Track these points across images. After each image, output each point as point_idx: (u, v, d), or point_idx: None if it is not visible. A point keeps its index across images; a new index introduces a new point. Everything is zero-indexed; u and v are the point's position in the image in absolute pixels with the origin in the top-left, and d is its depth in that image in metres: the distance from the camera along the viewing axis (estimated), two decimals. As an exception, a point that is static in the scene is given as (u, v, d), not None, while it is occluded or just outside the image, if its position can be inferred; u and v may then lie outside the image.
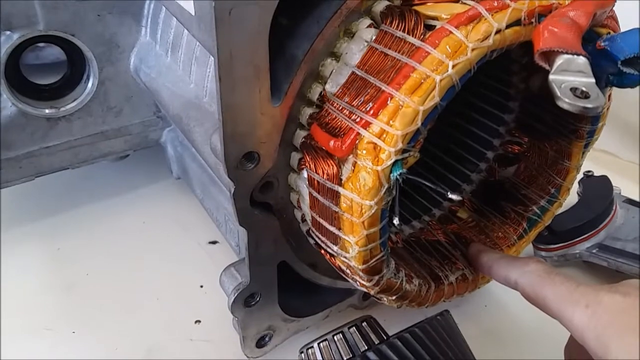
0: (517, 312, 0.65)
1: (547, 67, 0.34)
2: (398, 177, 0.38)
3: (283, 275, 0.52)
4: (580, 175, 0.72)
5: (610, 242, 0.67)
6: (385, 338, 0.43)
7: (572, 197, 0.70)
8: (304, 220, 0.48)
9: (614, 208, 0.70)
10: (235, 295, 0.49)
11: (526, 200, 0.58)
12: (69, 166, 0.65)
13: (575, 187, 0.71)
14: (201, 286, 0.65)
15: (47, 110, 0.60)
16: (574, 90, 0.32)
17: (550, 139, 0.56)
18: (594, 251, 0.66)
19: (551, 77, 0.33)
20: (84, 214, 0.73)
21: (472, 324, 0.61)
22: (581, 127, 0.52)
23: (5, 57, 0.55)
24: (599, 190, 0.72)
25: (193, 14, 0.45)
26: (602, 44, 0.38)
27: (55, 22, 0.55)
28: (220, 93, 0.37)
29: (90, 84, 0.61)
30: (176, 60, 0.54)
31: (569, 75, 0.33)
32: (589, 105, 0.31)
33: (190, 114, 0.52)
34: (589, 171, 0.74)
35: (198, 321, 0.62)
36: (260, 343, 0.55)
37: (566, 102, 0.32)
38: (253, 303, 0.50)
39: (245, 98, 0.38)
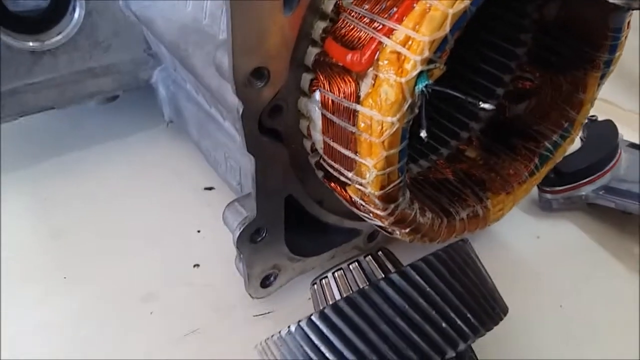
0: (526, 254, 0.63)
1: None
2: (424, 89, 0.36)
3: (289, 212, 0.49)
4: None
5: (617, 184, 0.66)
6: (401, 267, 0.41)
7: (575, 142, 0.69)
8: (313, 150, 0.46)
9: (619, 151, 0.68)
10: (241, 229, 0.46)
11: (538, 135, 0.56)
12: (55, 105, 0.61)
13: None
14: (198, 231, 0.63)
15: (31, 43, 0.56)
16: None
17: (565, 72, 0.54)
18: (601, 193, 0.65)
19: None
20: (72, 161, 0.69)
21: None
22: (599, 56, 0.50)
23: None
24: (604, 134, 0.70)
25: None
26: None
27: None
28: (230, -3, 0.33)
29: (76, 15, 0.57)
30: (170, -16, 0.50)
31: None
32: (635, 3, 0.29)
33: (188, 39, 0.48)
34: (593, 116, 0.73)
35: (197, 265, 0.59)
36: (265, 283, 0.52)
37: None
38: (259, 239, 0.48)
39: (256, 5, 0.35)
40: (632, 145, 0.72)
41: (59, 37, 0.58)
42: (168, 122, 0.69)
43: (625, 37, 0.50)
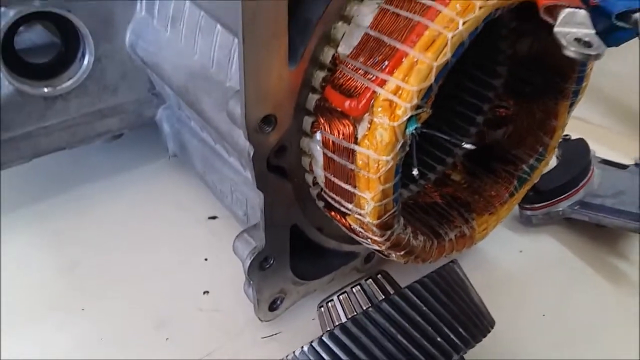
0: (510, 268, 0.68)
1: (551, 21, 0.37)
2: (413, 131, 0.41)
3: (293, 239, 0.53)
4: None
5: (591, 199, 0.71)
6: (399, 288, 0.46)
7: (551, 160, 0.74)
8: (315, 183, 0.50)
9: (591, 168, 0.74)
10: (251, 258, 0.50)
11: (516, 160, 0.62)
12: (66, 146, 0.65)
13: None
14: (205, 259, 0.67)
15: (44, 89, 0.60)
16: (578, 40, 0.35)
17: (538, 101, 0.59)
18: (576, 208, 0.71)
19: (556, 29, 0.36)
20: (81, 196, 0.72)
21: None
22: (567, 87, 0.56)
23: (2, 33, 0.54)
24: (577, 152, 0.76)
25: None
26: (596, 0, 0.41)
27: (51, -1, 0.55)
28: (243, 55, 0.38)
29: (86, 62, 0.61)
30: (177, 33, 0.55)
31: (572, 27, 0.36)
32: (593, 53, 0.34)
33: (196, 85, 0.52)
34: (566, 135, 0.78)
35: (206, 292, 0.63)
36: (273, 306, 0.56)
37: (572, 50, 0.35)
38: (267, 266, 0.52)
39: (266, 59, 0.40)
40: (604, 162, 0.78)
41: (70, 82, 0.61)
42: (171, 156, 0.73)
43: (591, 69, 0.56)
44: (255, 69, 0.39)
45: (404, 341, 0.38)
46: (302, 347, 0.40)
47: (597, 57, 0.35)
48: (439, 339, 0.39)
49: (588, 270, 0.69)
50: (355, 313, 0.42)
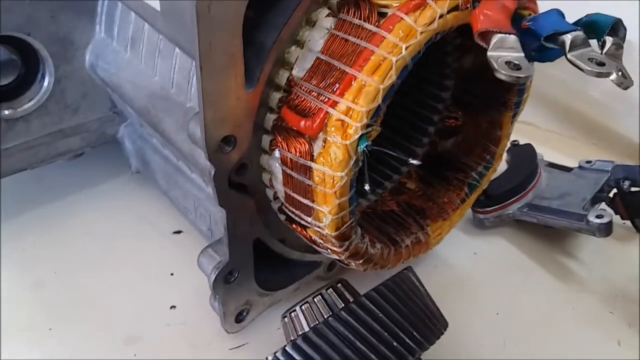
0: (465, 269, 0.72)
1: (485, 45, 0.40)
2: (364, 149, 0.44)
3: (256, 252, 0.56)
4: (507, 145, 0.81)
5: (538, 201, 0.75)
6: (357, 296, 0.48)
7: (501, 165, 0.78)
8: (275, 198, 0.52)
9: (539, 171, 0.78)
10: (216, 273, 0.52)
11: (466, 167, 0.65)
12: (28, 167, 0.66)
13: (504, 156, 0.80)
14: (172, 274, 0.68)
15: (5, 112, 0.60)
16: (508, 63, 0.38)
17: (483, 112, 0.63)
18: (525, 210, 0.75)
19: (489, 53, 0.39)
20: (45, 215, 0.73)
21: (425, 285, 0.68)
22: (509, 99, 0.60)
23: (-40, 59, 0.55)
24: (525, 157, 0.80)
25: (158, 9, 0.47)
26: (527, 23, 0.44)
27: (10, 23, 0.56)
28: (200, 81, 0.40)
29: (46, 83, 0.62)
30: (137, 54, 0.56)
31: (503, 51, 0.39)
32: (521, 75, 0.38)
33: (157, 106, 0.54)
34: (515, 140, 0.83)
35: (173, 307, 0.64)
36: (239, 318, 0.58)
37: (503, 73, 0.38)
38: (232, 280, 0.54)
39: (224, 85, 0.42)
40: (551, 165, 0.83)
41: (31, 103, 0.62)
42: (134, 172, 0.74)
43: (531, 82, 0.60)
44: (212, 92, 0.42)
45: (363, 347, 0.41)
46: (267, 357, 0.43)
47: (526, 79, 0.38)
48: (395, 344, 0.41)
49: (538, 269, 0.72)
50: (317, 322, 0.44)
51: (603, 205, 0.76)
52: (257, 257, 0.56)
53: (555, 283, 0.71)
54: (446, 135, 0.68)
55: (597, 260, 0.74)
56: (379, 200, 0.66)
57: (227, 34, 0.40)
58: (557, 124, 0.97)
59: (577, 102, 0.93)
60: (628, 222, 0.77)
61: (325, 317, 0.45)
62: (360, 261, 0.53)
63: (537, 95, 0.93)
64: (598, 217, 0.68)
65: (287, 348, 0.41)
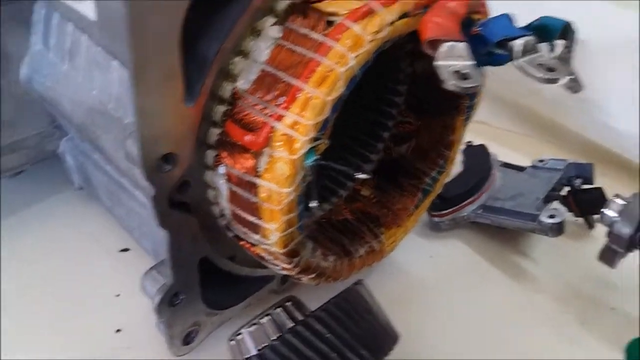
0: (422, 273, 0.71)
1: (433, 54, 0.39)
2: (312, 163, 0.42)
3: (203, 270, 0.53)
4: (462, 146, 0.81)
5: (492, 203, 0.75)
6: (307, 314, 0.47)
7: (456, 167, 0.78)
8: (221, 215, 0.50)
9: (492, 172, 0.78)
10: (160, 297, 0.49)
11: (420, 173, 0.65)
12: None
13: (459, 157, 0.79)
14: (117, 295, 0.64)
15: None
16: (456, 72, 0.37)
17: (436, 117, 0.62)
18: (479, 212, 0.74)
19: (437, 63, 0.38)
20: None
21: (382, 291, 0.67)
22: (461, 103, 0.59)
23: None
24: (479, 158, 0.80)
25: (94, 19, 0.44)
26: (477, 29, 0.43)
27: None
28: (135, 97, 0.37)
29: (-23, 98, 0.57)
30: (75, 67, 0.53)
31: (452, 60, 0.38)
32: (470, 85, 0.37)
33: (95, 121, 0.50)
34: (469, 141, 0.83)
35: (119, 330, 0.61)
36: (187, 340, 0.56)
37: (450, 84, 0.37)
38: (177, 302, 0.51)
39: (159, 101, 0.39)
40: (505, 165, 0.83)
41: (-38, 121, 0.58)
42: (77, 189, 0.70)
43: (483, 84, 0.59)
44: (149, 108, 0.39)
45: None
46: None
47: (475, 88, 0.37)
48: (342, 364, 0.40)
49: (493, 270, 0.73)
50: (263, 345, 0.42)
51: (556, 203, 0.77)
52: (205, 276, 0.53)
53: (510, 283, 0.71)
54: (400, 140, 0.67)
55: (551, 259, 0.74)
56: (333, 209, 0.65)
57: (164, 46, 0.37)
58: (512, 123, 0.98)
59: (530, 100, 0.94)
60: (581, 220, 0.78)
61: (273, 338, 0.43)
62: (312, 275, 0.51)
63: (491, 95, 0.94)
64: (550, 217, 0.68)
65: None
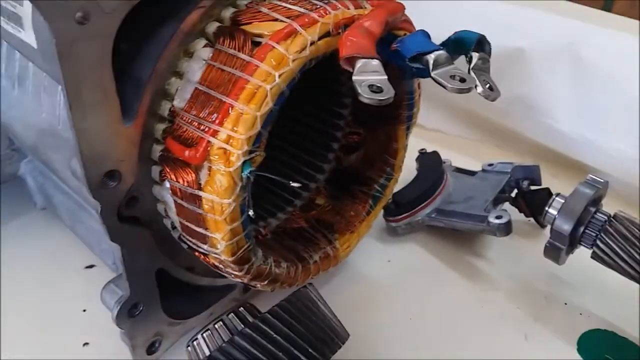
0: (380, 277, 0.74)
1: (350, 70, 0.42)
2: (249, 174, 0.45)
3: (164, 281, 0.55)
4: (416, 153, 0.85)
5: (445, 206, 0.78)
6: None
7: (411, 173, 0.81)
8: (174, 227, 0.53)
9: (445, 177, 0.82)
10: (118, 308, 0.52)
11: (369, 180, 0.68)
12: None
13: (414, 164, 0.83)
14: (84, 310, 0.66)
15: None
16: (370, 86, 0.41)
17: (380, 127, 0.66)
18: (433, 215, 0.78)
19: (354, 77, 0.41)
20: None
21: (341, 295, 0.69)
22: (401, 113, 0.63)
23: None
24: (432, 164, 0.83)
25: (35, 47, 0.47)
26: (395, 45, 0.47)
27: None
28: (72, 119, 0.40)
29: None
30: (25, 91, 0.55)
31: (367, 75, 0.41)
32: (382, 98, 0.40)
33: (46, 143, 0.53)
34: (422, 149, 0.86)
35: (86, 344, 0.63)
36: (151, 350, 0.58)
37: (365, 97, 0.40)
38: (137, 313, 0.53)
39: (97, 121, 0.42)
40: (457, 170, 0.87)
41: None
42: (41, 208, 0.72)
43: (419, 96, 0.63)
44: (86, 130, 0.41)
45: None
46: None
47: (387, 101, 0.40)
48: (289, 363, 0.42)
49: (449, 271, 0.75)
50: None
51: (506, 205, 0.81)
52: (164, 286, 0.55)
53: (465, 283, 0.74)
54: (349, 150, 0.70)
55: (505, 259, 0.77)
56: (289, 218, 0.68)
57: (95, 70, 0.40)
58: (465, 130, 1.02)
59: (481, 107, 0.98)
60: (533, 220, 0.81)
61: (224, 341, 0.46)
62: (265, 282, 0.54)
63: (444, 104, 0.99)
64: (497, 217, 0.71)
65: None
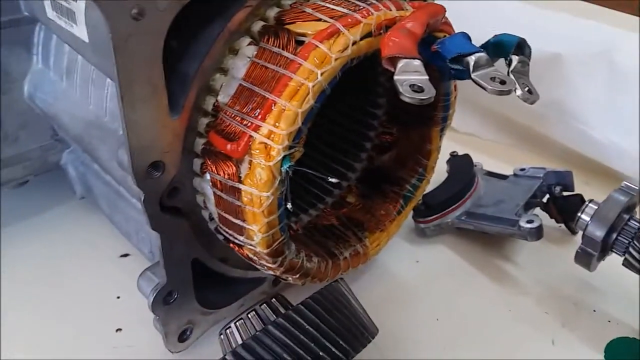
0: (408, 277, 0.75)
1: (392, 69, 0.43)
2: (288, 169, 0.46)
3: (198, 271, 0.57)
4: (448, 156, 0.85)
5: (475, 209, 0.78)
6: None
7: (443, 175, 0.82)
8: (211, 218, 0.54)
9: (476, 180, 0.82)
10: (154, 295, 0.53)
11: (401, 180, 0.68)
12: (-32, 197, 0.66)
13: (445, 166, 0.83)
14: (118, 297, 0.69)
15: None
16: (412, 86, 0.41)
17: (414, 128, 0.66)
18: (463, 218, 0.78)
19: (395, 77, 0.42)
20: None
21: (370, 293, 0.70)
22: (436, 114, 0.63)
23: None
24: (463, 167, 0.83)
25: (87, 41, 0.49)
26: (436, 47, 0.48)
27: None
28: (123, 111, 0.42)
29: (-17, 113, 0.63)
30: (72, 84, 0.58)
31: (408, 75, 0.42)
32: (423, 97, 0.41)
33: (92, 134, 0.55)
34: (454, 151, 0.86)
35: (119, 329, 0.65)
36: (182, 337, 0.59)
37: (406, 96, 0.41)
38: (172, 300, 0.55)
39: (146, 114, 0.44)
40: (489, 174, 0.87)
41: (-33, 134, 0.63)
42: (79, 198, 0.75)
43: (455, 97, 0.64)
44: (136, 121, 0.43)
45: (289, 359, 0.43)
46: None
47: (428, 100, 0.41)
48: (321, 354, 0.43)
49: (477, 274, 0.75)
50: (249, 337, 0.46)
51: (537, 210, 0.80)
52: (198, 276, 0.57)
53: (493, 286, 0.74)
54: (382, 150, 0.71)
55: (534, 264, 0.77)
56: (320, 215, 0.69)
57: (146, 65, 0.42)
58: (497, 134, 1.02)
59: (513, 112, 0.98)
60: (564, 227, 0.81)
61: (257, 330, 0.47)
62: (297, 275, 0.55)
63: (478, 108, 0.99)
64: (529, 222, 0.71)
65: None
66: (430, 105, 0.62)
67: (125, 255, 0.73)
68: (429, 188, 0.73)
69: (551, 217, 0.81)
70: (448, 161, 0.85)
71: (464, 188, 0.80)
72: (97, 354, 0.62)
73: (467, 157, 0.85)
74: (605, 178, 0.88)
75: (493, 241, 0.79)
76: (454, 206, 0.78)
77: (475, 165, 0.85)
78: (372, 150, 0.71)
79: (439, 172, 0.77)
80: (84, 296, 0.68)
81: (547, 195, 0.81)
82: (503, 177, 0.85)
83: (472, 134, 1.03)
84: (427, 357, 0.64)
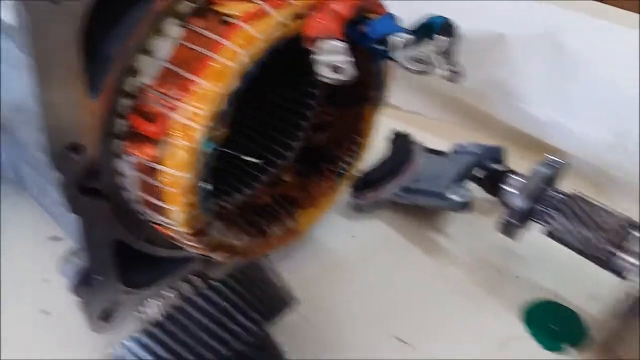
0: (344, 252, 0.76)
1: (314, 50, 0.43)
2: (210, 150, 0.45)
3: (124, 252, 0.56)
4: (392, 135, 0.85)
5: (412, 184, 0.79)
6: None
7: (383, 152, 0.82)
8: (134, 200, 0.53)
9: (414, 157, 0.83)
10: (75, 277, 0.52)
11: (336, 159, 0.69)
12: None
13: (386, 145, 0.83)
14: (45, 280, 0.67)
15: None
16: (331, 66, 0.41)
17: (349, 107, 0.67)
18: (399, 193, 0.79)
19: (313, 57, 0.42)
20: None
21: (305, 269, 0.71)
22: (369, 94, 0.63)
23: None
24: (402, 144, 0.84)
25: (6, 20, 0.47)
26: (363, 28, 0.47)
27: None
28: (39, 92, 0.40)
29: None
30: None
31: (330, 56, 0.42)
32: (342, 77, 0.41)
33: (16, 117, 0.53)
34: (396, 130, 0.87)
35: (47, 312, 0.63)
36: (106, 318, 0.58)
37: (324, 76, 0.41)
38: (93, 282, 0.54)
39: (63, 95, 0.42)
40: (429, 150, 0.88)
41: None
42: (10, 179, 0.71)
43: (387, 76, 0.64)
44: (52, 102, 0.42)
45: (204, 335, 0.45)
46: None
47: (347, 80, 0.41)
48: (233, 326, 0.46)
49: (411, 247, 0.77)
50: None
51: (471, 184, 0.82)
52: (123, 256, 0.56)
53: (425, 258, 0.76)
54: (319, 129, 0.70)
55: (465, 235, 0.80)
56: (254, 194, 0.68)
57: (64, 47, 0.40)
58: (442, 112, 1.03)
59: (458, 91, 0.98)
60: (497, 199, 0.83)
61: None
62: (225, 254, 0.55)
63: (423, 87, 0.99)
64: (456, 194, 0.74)
65: (124, 341, 0.45)
66: (363, 85, 0.63)
67: (56, 238, 0.71)
68: (370, 165, 0.74)
69: (487, 191, 0.83)
70: (390, 139, 0.85)
71: (401, 164, 0.81)
72: (23, 336, 0.61)
73: (407, 135, 0.86)
74: (542, 153, 0.90)
75: (427, 215, 0.81)
76: (391, 182, 0.79)
77: (416, 143, 0.85)
78: (309, 130, 0.70)
79: (383, 151, 0.78)
80: (10, 278, 0.66)
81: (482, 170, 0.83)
82: (442, 153, 0.86)
83: (417, 112, 1.03)
84: (361, 332, 0.66)
